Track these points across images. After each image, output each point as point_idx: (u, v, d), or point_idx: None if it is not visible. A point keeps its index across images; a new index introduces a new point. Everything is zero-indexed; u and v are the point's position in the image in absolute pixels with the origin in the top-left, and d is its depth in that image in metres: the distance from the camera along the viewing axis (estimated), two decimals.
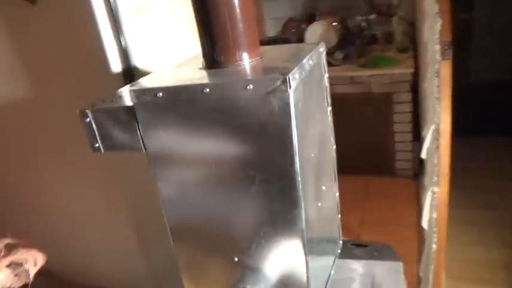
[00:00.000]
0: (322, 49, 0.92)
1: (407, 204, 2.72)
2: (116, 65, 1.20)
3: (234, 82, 0.72)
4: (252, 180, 0.79)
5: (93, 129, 0.87)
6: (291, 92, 0.69)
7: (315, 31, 3.12)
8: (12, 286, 1.20)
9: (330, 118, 0.99)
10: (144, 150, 0.84)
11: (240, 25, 0.80)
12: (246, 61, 0.83)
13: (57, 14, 1.14)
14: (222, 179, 0.81)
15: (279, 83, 0.68)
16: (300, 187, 0.76)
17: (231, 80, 0.75)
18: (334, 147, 1.03)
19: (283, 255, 0.83)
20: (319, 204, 0.91)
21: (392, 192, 2.98)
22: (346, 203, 2.99)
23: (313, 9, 3.64)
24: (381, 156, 3.15)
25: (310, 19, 3.51)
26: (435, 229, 1.80)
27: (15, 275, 1.20)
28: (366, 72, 3.00)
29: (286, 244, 0.82)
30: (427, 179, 1.81)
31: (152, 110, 0.79)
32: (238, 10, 0.79)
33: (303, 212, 0.77)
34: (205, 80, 0.76)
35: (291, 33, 3.56)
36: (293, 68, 0.72)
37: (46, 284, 1.69)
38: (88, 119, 0.86)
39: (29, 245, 1.28)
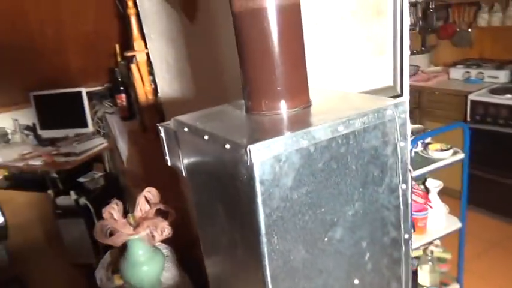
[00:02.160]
0: (392, 111, 0.68)
1: None
2: None
3: (219, 137, 0.65)
4: (235, 243, 0.71)
5: (163, 143, 0.96)
6: (256, 166, 0.57)
7: None
8: (147, 243, 1.50)
9: (401, 199, 0.74)
10: (184, 175, 0.88)
11: (272, 68, 0.69)
12: (283, 110, 0.72)
13: (207, 29, 1.28)
14: (222, 232, 0.76)
15: (243, 151, 0.58)
16: (269, 282, 0.63)
17: (222, 133, 0.68)
18: (406, 236, 0.77)
19: None
20: None
21: None
22: None
23: None
24: None
25: None
26: None
27: (152, 236, 1.49)
28: None
29: None
30: None
31: (186, 141, 0.81)
32: (273, 51, 0.68)
33: None
34: (208, 127, 0.71)
35: None
36: (278, 136, 0.59)
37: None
38: (161, 133, 0.95)
39: (171, 216, 1.54)
